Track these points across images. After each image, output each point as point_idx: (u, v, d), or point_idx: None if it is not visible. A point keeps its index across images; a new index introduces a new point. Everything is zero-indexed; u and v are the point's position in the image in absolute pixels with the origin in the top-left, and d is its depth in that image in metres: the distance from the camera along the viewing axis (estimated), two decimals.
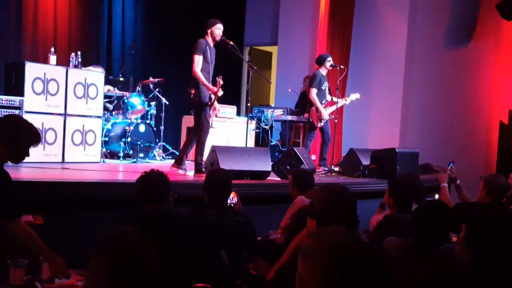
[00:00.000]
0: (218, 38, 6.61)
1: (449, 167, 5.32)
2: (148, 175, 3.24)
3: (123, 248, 1.81)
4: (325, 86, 8.53)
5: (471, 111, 10.82)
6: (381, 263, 1.76)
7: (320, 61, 8.52)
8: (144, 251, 1.84)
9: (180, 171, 6.57)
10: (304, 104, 9.23)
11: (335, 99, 8.46)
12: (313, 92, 8.37)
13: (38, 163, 6.71)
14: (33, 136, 3.14)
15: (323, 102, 8.46)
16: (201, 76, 6.43)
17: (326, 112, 8.40)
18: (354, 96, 8.76)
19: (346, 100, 8.73)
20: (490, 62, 10.92)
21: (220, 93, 6.48)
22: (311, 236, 1.66)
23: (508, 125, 10.14)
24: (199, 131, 6.68)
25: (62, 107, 7.17)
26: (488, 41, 10.86)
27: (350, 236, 1.68)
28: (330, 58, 8.55)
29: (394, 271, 2.80)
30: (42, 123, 6.94)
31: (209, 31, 6.60)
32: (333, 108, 8.47)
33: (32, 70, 6.86)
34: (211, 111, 6.66)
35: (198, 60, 6.46)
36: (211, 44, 6.66)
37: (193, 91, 6.51)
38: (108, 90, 8.46)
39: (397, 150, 7.42)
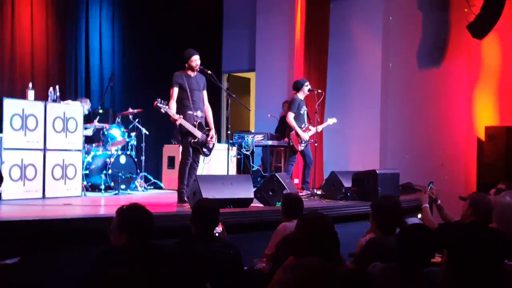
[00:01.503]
0: (196, 68, 6.78)
1: (429, 187, 5.36)
2: (131, 210, 3.23)
3: None
4: (304, 110, 8.60)
5: (448, 129, 10.98)
6: None
7: (298, 86, 8.60)
8: None
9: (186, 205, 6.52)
10: (283, 128, 9.28)
11: (311, 127, 8.53)
12: (291, 116, 8.43)
13: (19, 200, 6.66)
14: None
15: (302, 126, 8.51)
16: (172, 107, 6.60)
17: (305, 134, 8.46)
18: (331, 120, 8.86)
19: (323, 125, 8.83)
20: (464, 81, 11.13)
21: (180, 119, 6.56)
22: (285, 270, 1.67)
23: (485, 142, 10.29)
24: (180, 160, 6.76)
25: (41, 142, 7.12)
26: (461, 60, 11.08)
27: (324, 267, 1.69)
28: (307, 83, 8.65)
29: None
30: (22, 159, 6.89)
31: (186, 64, 6.77)
32: (312, 132, 8.53)
33: (10, 106, 6.82)
34: (208, 140, 6.77)
35: (172, 92, 6.71)
36: (192, 73, 6.77)
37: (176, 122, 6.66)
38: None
39: (377, 172, 7.47)
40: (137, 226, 3.12)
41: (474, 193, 5.03)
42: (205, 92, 6.94)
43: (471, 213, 4.31)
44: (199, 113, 6.77)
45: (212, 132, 6.86)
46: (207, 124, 6.94)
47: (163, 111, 6.53)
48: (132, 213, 3.19)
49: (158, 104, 6.48)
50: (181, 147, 6.92)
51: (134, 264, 2.55)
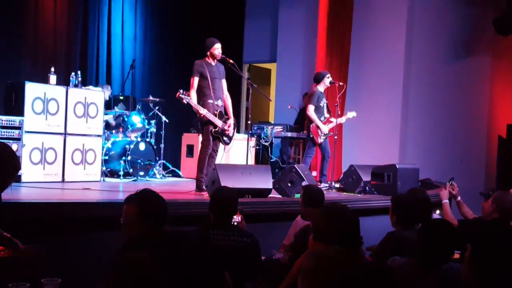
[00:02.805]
0: (218, 57, 6.76)
1: (450, 183, 5.31)
2: (150, 195, 3.14)
3: (135, 275, 1.82)
4: (324, 103, 8.55)
5: (470, 125, 10.85)
6: (382, 281, 1.76)
7: (319, 78, 8.54)
8: (156, 278, 1.85)
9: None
10: (303, 120, 9.24)
11: (333, 119, 8.48)
12: (311, 108, 8.38)
13: (38, 183, 6.72)
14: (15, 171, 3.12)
15: (322, 119, 8.46)
16: (192, 97, 6.56)
17: (325, 127, 8.41)
18: (351, 114, 8.78)
19: (343, 118, 8.75)
20: (488, 77, 10.98)
21: (203, 111, 6.55)
22: (310, 257, 1.67)
23: (506, 140, 10.16)
24: (200, 149, 6.77)
25: (62, 126, 7.18)
26: (486, 56, 10.92)
27: (349, 256, 1.69)
28: (329, 75, 8.58)
29: None
30: (42, 143, 6.95)
31: (208, 53, 6.75)
32: (332, 124, 8.48)
33: (32, 90, 6.87)
34: (226, 128, 6.74)
35: (192, 81, 6.67)
36: (212, 62, 6.76)
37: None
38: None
39: (397, 166, 7.42)
40: (161, 211, 3.02)
41: (498, 190, 4.98)
42: (224, 81, 6.93)
43: (493, 210, 4.30)
44: (219, 102, 6.77)
45: (231, 120, 6.85)
46: (226, 113, 6.93)
47: (185, 102, 6.52)
48: (153, 198, 3.07)
49: (181, 95, 6.46)
50: (201, 136, 6.91)
51: (156, 251, 2.52)
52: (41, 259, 3.54)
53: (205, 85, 6.66)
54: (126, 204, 3.01)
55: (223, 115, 6.79)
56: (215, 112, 6.67)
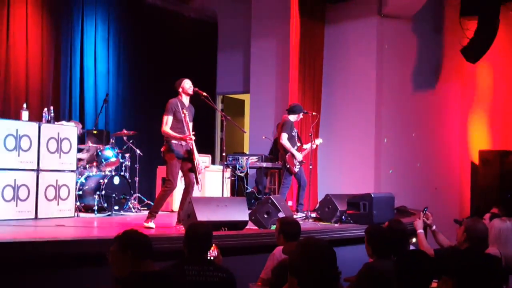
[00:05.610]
0: (191, 91, 6.67)
1: (423, 213, 5.34)
2: (129, 231, 3.20)
3: None
4: (295, 132, 8.63)
5: (442, 152, 11.00)
6: None
7: (296, 110, 8.57)
8: None
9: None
10: (278, 150, 9.28)
11: (305, 146, 8.54)
12: (285, 137, 8.41)
13: (11, 220, 6.60)
14: None
15: (295, 148, 8.51)
16: (169, 132, 6.51)
17: (299, 154, 8.44)
18: (318, 141, 8.87)
19: (313, 145, 8.76)
20: (457, 104, 11.20)
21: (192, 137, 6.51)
22: None
23: (479, 166, 10.32)
24: (163, 186, 6.70)
25: (34, 162, 7.07)
26: (455, 83, 11.16)
27: None
28: (303, 112, 8.68)
29: None
30: (15, 180, 6.83)
31: (180, 89, 6.69)
32: (305, 152, 8.56)
33: (4, 126, 6.79)
34: (197, 166, 6.65)
35: (166, 119, 6.57)
36: (186, 102, 6.71)
37: (162, 149, 6.65)
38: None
39: (373, 195, 7.45)
40: (139, 243, 3.12)
41: (468, 218, 5.03)
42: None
43: (465, 239, 4.33)
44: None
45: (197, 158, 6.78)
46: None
47: None
48: (132, 232, 3.20)
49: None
50: (167, 174, 6.71)
51: None
52: None
53: (176, 126, 6.59)
54: (112, 245, 3.20)
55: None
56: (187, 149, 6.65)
